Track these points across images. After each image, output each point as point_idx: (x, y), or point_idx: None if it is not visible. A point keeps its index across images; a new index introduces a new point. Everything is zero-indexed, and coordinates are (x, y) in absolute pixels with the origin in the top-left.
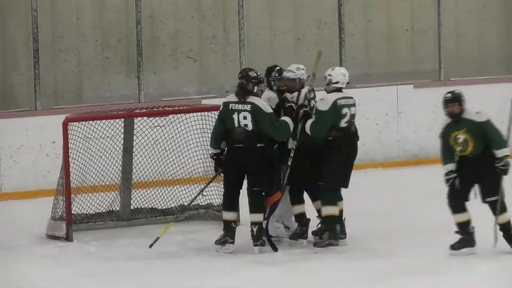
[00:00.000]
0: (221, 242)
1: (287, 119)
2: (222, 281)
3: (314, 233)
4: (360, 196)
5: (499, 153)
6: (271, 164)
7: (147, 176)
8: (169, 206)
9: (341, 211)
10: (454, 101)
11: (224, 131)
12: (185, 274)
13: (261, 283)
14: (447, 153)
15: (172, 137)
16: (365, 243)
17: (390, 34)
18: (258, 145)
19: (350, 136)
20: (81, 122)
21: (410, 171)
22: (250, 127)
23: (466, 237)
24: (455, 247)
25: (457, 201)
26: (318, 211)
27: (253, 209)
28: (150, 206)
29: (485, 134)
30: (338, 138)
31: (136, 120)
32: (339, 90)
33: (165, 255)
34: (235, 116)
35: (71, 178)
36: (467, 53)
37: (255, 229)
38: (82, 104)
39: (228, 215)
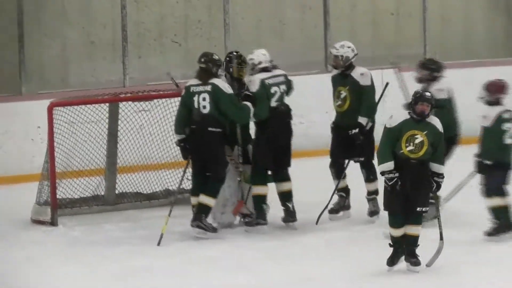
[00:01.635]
0: (195, 225)
1: (247, 103)
2: (207, 266)
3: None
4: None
5: (442, 169)
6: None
7: (132, 161)
8: (154, 191)
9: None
10: (429, 102)
11: (187, 116)
12: (170, 258)
13: (244, 267)
14: (389, 150)
15: (157, 121)
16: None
17: (375, 17)
18: (211, 129)
19: (280, 116)
20: (66, 107)
21: None
22: (207, 108)
23: (398, 250)
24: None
25: (398, 214)
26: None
27: (205, 191)
28: (135, 191)
29: (437, 145)
30: (267, 118)
31: (121, 105)
32: (266, 70)
33: (150, 239)
34: (195, 98)
35: (56, 162)
36: (452, 37)
37: (194, 209)
38: (67, 89)
39: (195, 200)
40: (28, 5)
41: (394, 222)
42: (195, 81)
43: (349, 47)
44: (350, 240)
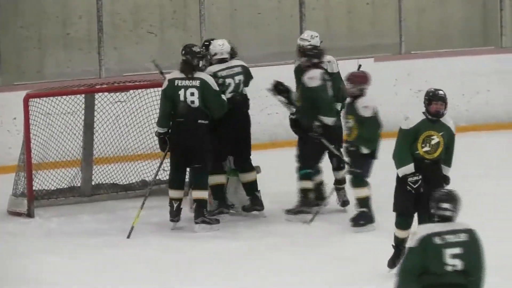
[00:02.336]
0: (200, 222)
1: (224, 97)
2: (183, 256)
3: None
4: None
5: (449, 172)
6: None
7: (108, 152)
8: (131, 182)
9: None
10: (444, 101)
11: (172, 109)
12: (146, 249)
13: (222, 257)
14: (407, 152)
15: (133, 112)
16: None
17: (351, 7)
18: (200, 121)
19: (236, 106)
20: (42, 98)
21: None
22: (196, 103)
23: (401, 251)
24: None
25: (408, 215)
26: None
27: (195, 186)
28: (111, 182)
29: (450, 147)
30: None
31: (97, 96)
32: (223, 61)
33: (126, 230)
34: (181, 92)
35: (32, 154)
36: (428, 27)
37: (193, 206)
38: (43, 80)
39: (174, 194)
40: None
41: (402, 224)
42: (178, 74)
43: (316, 36)
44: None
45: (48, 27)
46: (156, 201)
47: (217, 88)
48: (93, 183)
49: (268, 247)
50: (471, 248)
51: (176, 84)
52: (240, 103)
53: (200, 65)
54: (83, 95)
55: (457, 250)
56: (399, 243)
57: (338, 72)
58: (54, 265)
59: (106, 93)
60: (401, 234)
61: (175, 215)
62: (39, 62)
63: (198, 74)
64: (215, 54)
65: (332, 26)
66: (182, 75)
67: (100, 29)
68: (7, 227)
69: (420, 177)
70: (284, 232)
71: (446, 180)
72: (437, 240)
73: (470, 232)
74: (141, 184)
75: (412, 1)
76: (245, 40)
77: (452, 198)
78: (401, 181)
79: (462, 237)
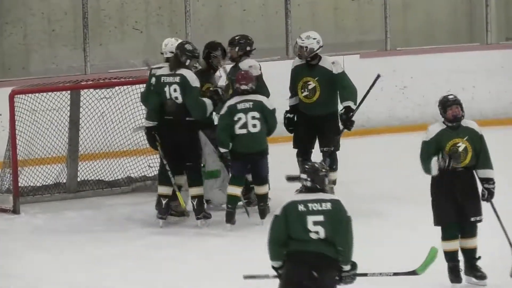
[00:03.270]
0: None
1: (207, 100)
2: (169, 252)
3: None
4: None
5: (491, 173)
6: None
7: (94, 148)
8: (116, 178)
9: None
10: (458, 103)
11: (160, 104)
12: (132, 245)
13: (208, 254)
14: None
15: (119, 108)
16: None
17: (337, 4)
18: (188, 118)
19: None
20: (27, 95)
21: (357, 141)
22: (180, 99)
23: (457, 264)
24: None
25: (451, 225)
26: None
27: (191, 183)
28: (97, 178)
29: (480, 149)
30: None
31: (82, 92)
32: (167, 61)
33: (112, 227)
34: (166, 89)
35: (18, 150)
36: (414, 23)
37: (194, 203)
38: (29, 76)
39: (162, 190)
40: None
41: (448, 235)
42: (165, 70)
43: (314, 38)
44: None
45: (33, 24)
46: (141, 197)
47: (196, 85)
48: (78, 179)
49: (257, 245)
50: (335, 217)
51: (162, 81)
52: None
53: (187, 63)
54: (68, 92)
55: (320, 218)
56: (451, 257)
57: (343, 72)
58: (39, 261)
59: (91, 90)
60: (450, 246)
61: (163, 212)
62: (24, 59)
63: (181, 71)
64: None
65: (318, 23)
66: (167, 70)
67: (86, 25)
68: None
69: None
70: None
71: (488, 182)
72: (301, 207)
73: (334, 202)
74: (127, 180)
75: None
76: (230, 37)
77: (313, 170)
78: (437, 193)
79: (326, 206)
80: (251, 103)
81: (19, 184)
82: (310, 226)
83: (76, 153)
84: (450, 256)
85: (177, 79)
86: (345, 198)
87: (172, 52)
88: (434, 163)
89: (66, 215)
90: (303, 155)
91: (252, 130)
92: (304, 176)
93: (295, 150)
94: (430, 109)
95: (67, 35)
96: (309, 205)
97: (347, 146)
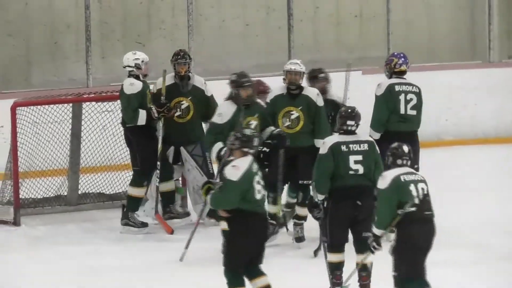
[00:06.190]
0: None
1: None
2: (170, 266)
3: None
4: None
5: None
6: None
7: (95, 161)
8: (117, 191)
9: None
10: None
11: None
12: (132, 259)
13: (206, 263)
14: None
15: (120, 122)
16: None
17: (339, 20)
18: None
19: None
20: (29, 107)
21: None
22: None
23: None
24: None
25: None
26: None
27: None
28: (97, 191)
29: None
30: None
31: (84, 105)
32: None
33: (112, 240)
34: None
35: (19, 162)
36: (416, 40)
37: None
38: (31, 88)
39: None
40: None
41: None
42: None
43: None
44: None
45: (35, 36)
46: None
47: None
48: (79, 192)
49: None
50: (372, 156)
51: None
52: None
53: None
54: (70, 104)
55: (359, 157)
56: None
57: (323, 106)
58: (38, 273)
59: (93, 103)
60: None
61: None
62: (26, 71)
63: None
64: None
65: (320, 38)
66: None
67: (88, 38)
68: None
69: None
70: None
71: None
72: (344, 148)
73: (370, 143)
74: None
75: (399, 14)
76: (233, 51)
77: (356, 114)
78: None
79: (364, 146)
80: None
81: (20, 196)
82: (352, 165)
83: (77, 166)
84: None
85: None
86: None
87: (129, 66)
88: None
89: (67, 227)
90: (278, 190)
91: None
92: (345, 121)
93: None
94: (431, 125)
95: (69, 48)
96: (350, 145)
97: None
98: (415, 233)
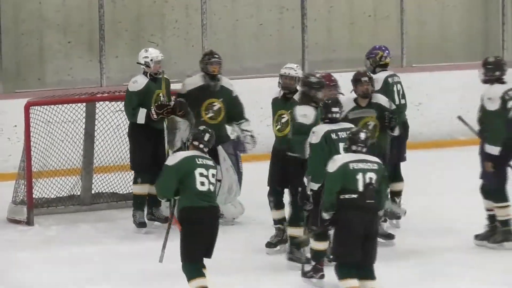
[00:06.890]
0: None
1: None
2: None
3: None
4: None
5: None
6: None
7: (109, 161)
8: (130, 191)
9: None
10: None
11: None
12: (146, 259)
13: (220, 265)
14: None
15: None
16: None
17: (353, 19)
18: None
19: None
20: (43, 106)
21: None
22: None
23: None
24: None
25: None
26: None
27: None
28: (111, 191)
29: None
30: None
31: (98, 105)
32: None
33: (125, 239)
34: None
35: (32, 162)
36: (429, 40)
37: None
38: (44, 88)
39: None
40: (5, 4)
41: None
42: None
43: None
44: None
45: (49, 35)
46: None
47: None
48: (93, 191)
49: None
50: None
51: None
52: None
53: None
54: (84, 104)
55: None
56: None
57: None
58: (52, 273)
59: (107, 102)
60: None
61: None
62: (40, 70)
63: None
64: None
65: (334, 38)
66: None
67: (102, 37)
68: (6, 235)
69: None
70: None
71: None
72: (334, 135)
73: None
74: None
75: (413, 14)
76: (246, 51)
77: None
78: None
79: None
80: None
81: (33, 196)
82: (341, 151)
83: (91, 166)
84: None
85: None
86: None
87: (140, 63)
88: None
89: (80, 227)
90: (275, 195)
91: None
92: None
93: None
94: (444, 125)
95: (83, 47)
96: (339, 133)
97: None
98: (353, 220)
